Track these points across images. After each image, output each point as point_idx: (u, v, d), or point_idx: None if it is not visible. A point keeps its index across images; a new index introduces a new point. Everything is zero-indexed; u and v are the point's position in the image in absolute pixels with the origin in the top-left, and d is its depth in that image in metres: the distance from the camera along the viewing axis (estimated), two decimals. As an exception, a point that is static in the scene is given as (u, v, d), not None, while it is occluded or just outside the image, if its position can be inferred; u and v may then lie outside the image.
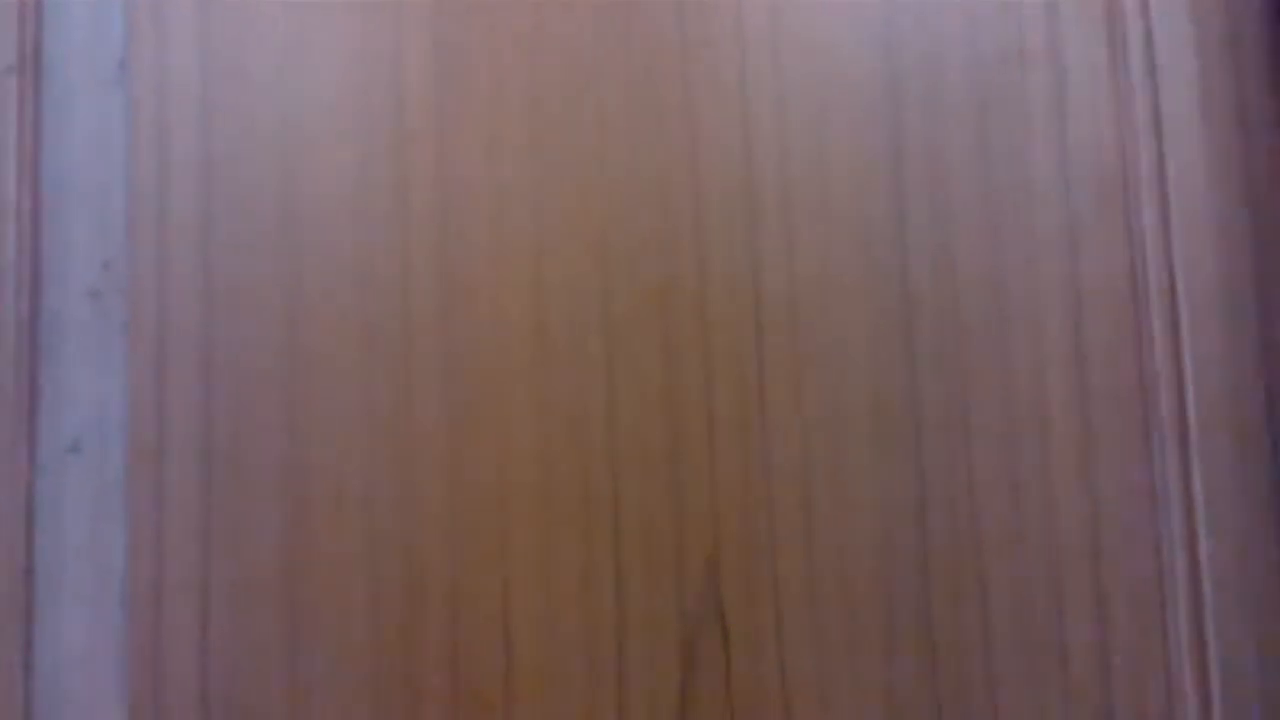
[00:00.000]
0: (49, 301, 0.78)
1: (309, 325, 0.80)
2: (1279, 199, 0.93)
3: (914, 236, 0.89)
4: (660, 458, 0.84)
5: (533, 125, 0.85)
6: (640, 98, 0.87)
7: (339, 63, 0.83)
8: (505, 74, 0.85)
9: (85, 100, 0.79)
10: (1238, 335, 0.90)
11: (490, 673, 0.80)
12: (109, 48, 0.80)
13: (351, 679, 0.78)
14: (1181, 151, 0.92)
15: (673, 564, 0.83)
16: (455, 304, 0.82)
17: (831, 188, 0.88)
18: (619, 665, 0.82)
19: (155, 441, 0.77)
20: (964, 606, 0.86)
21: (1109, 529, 0.88)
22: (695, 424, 0.85)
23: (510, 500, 0.82)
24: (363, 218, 0.82)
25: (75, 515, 0.77)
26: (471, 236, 0.83)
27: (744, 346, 0.86)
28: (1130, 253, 0.91)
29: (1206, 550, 0.88)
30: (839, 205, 0.88)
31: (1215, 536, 0.88)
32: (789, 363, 0.86)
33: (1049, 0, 0.93)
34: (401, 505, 0.80)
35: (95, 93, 0.79)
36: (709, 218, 0.87)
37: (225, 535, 0.78)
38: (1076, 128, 0.92)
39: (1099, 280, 0.91)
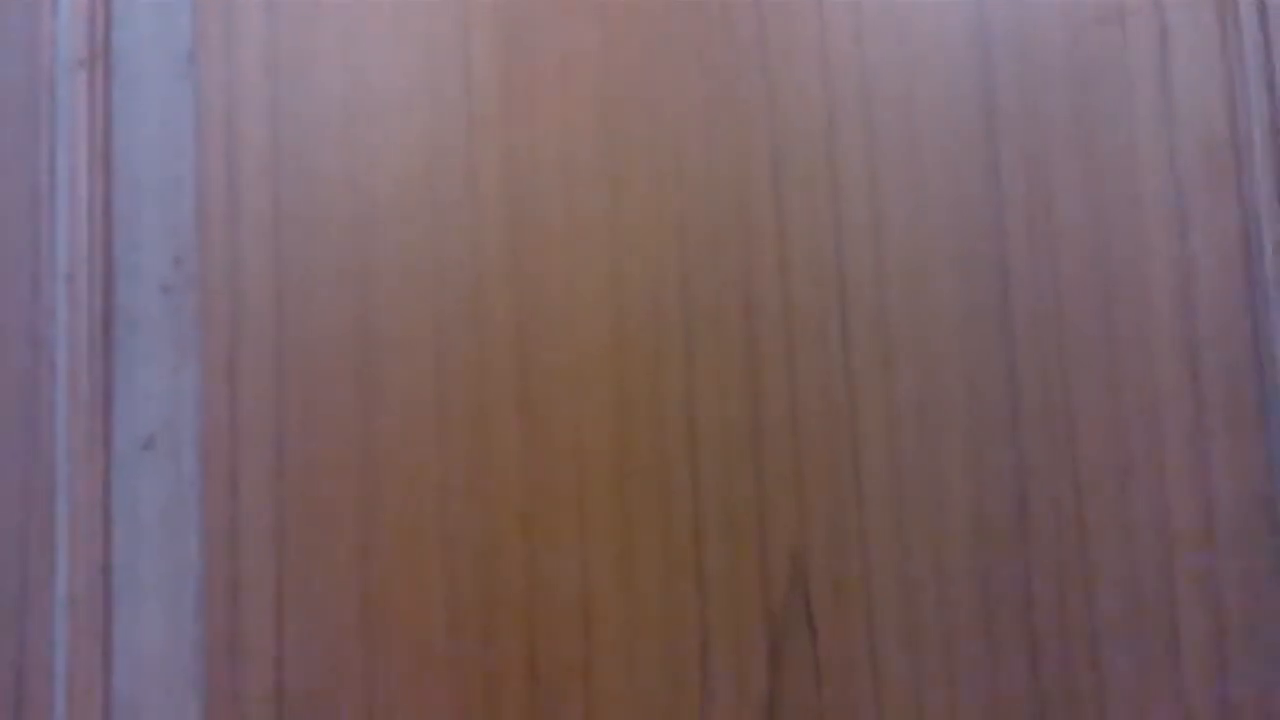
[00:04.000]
0: (121, 297, 0.79)
1: (381, 316, 0.80)
2: None
3: (1010, 211, 0.86)
4: (742, 448, 0.83)
5: (605, 104, 0.84)
6: (716, 71, 0.86)
7: (405, 47, 0.83)
8: (575, 52, 0.85)
9: (154, 93, 0.80)
10: (1366, 309, 0.86)
11: (569, 671, 0.79)
12: (177, 40, 0.81)
13: (428, 675, 0.78)
14: (1299, 113, 0.87)
15: (757, 559, 0.82)
16: (528, 291, 0.82)
17: (920, 161, 0.86)
18: (703, 666, 0.81)
19: (229, 437, 0.78)
20: (1069, 601, 0.83)
21: (1224, 516, 0.84)
22: (778, 412, 0.83)
23: (587, 493, 0.81)
24: (433, 204, 0.82)
25: (150, 512, 0.78)
26: (544, 222, 0.83)
27: (829, 330, 0.84)
28: (1244, 224, 0.87)
29: (1335, 542, 0.84)
30: (928, 180, 0.86)
31: (1345, 527, 0.84)
32: (877, 346, 0.84)
33: (1151, -43, 0.90)
34: (476, 499, 0.80)
35: (164, 86, 0.80)
36: (790, 197, 0.85)
37: (299, 530, 0.78)
38: (1183, 91, 0.88)
39: (1210, 255, 0.87)
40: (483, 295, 0.82)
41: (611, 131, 0.85)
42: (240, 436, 0.79)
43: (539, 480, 0.81)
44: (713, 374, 0.83)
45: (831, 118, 0.86)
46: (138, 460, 0.79)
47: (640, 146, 0.85)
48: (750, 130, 0.86)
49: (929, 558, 0.83)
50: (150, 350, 0.79)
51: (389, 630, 0.79)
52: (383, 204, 0.82)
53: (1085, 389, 0.85)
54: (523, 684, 0.79)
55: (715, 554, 0.82)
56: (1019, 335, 0.85)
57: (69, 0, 0.80)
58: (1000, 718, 0.82)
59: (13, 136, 0.79)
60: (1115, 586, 0.84)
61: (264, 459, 0.79)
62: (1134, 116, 0.88)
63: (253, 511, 0.78)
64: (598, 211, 0.84)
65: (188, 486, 0.78)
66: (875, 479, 0.83)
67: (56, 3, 0.80)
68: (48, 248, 0.79)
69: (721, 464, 0.83)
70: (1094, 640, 0.83)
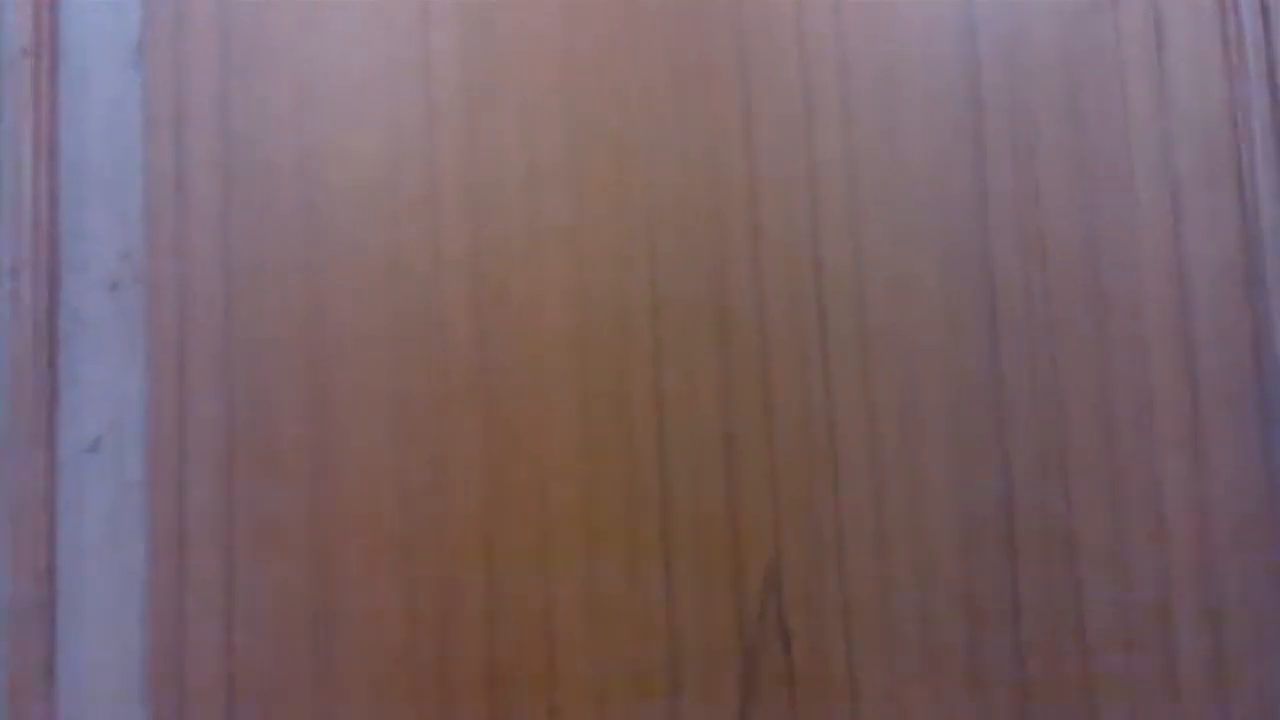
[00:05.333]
0: (67, 294, 0.76)
1: (335, 314, 0.78)
2: None
3: (996, 205, 0.83)
4: (713, 455, 0.79)
5: (570, 92, 0.82)
6: (688, 59, 0.83)
7: (362, 36, 0.80)
8: (539, 40, 0.82)
9: (102, 84, 0.78)
10: (1371, 308, 0.82)
11: (531, 690, 0.76)
12: (125, 30, 0.79)
13: (383, 692, 0.75)
14: (1302, 103, 0.84)
15: (729, 572, 0.79)
16: (490, 288, 0.79)
17: (901, 153, 0.83)
18: (672, 683, 0.77)
19: (176, 439, 0.76)
20: (1059, 618, 0.79)
21: (1222, 525, 0.80)
22: (752, 417, 0.80)
23: (551, 502, 0.78)
24: (389, 198, 0.79)
25: (95, 517, 0.76)
26: (506, 215, 0.80)
27: (805, 329, 0.81)
28: (1243, 219, 0.84)
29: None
30: (910, 173, 0.83)
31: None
32: (856, 346, 0.81)
33: (1146, -59, 0.86)
34: (435, 508, 0.77)
35: (112, 76, 0.78)
36: (765, 189, 0.82)
37: (250, 536, 0.76)
38: (1178, 80, 0.85)
39: (1208, 250, 0.83)
40: (442, 294, 0.79)
41: (577, 123, 0.82)
42: (188, 439, 0.76)
43: (500, 486, 0.78)
44: (683, 375, 0.80)
45: (809, 110, 0.83)
46: (83, 464, 0.76)
47: (607, 140, 0.82)
48: (724, 123, 0.83)
49: (910, 568, 0.80)
50: (96, 349, 0.77)
51: (342, 640, 0.76)
52: (338, 198, 0.79)
53: (1075, 392, 0.82)
54: (482, 700, 0.76)
55: (685, 564, 0.79)
56: (1005, 335, 0.82)
57: (15, -13, 0.78)
58: (985, 736, 0.79)
59: (-45, 128, 0.77)
60: (1107, 600, 0.80)
61: (213, 462, 0.76)
62: (1127, 109, 0.85)
63: (201, 517, 0.76)
64: (562, 207, 0.81)
65: (134, 490, 0.76)
66: (854, 486, 0.80)
67: (2, -10, 0.78)
68: (-10, 243, 0.76)
69: (692, 470, 0.79)
70: (1085, 655, 0.79)
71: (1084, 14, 0.85)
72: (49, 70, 0.77)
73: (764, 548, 0.79)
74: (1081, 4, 0.85)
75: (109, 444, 0.76)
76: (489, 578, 0.77)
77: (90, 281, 0.77)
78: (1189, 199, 0.84)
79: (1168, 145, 0.84)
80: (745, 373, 0.80)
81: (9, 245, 0.76)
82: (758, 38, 0.83)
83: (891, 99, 0.83)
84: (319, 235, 0.78)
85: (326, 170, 0.79)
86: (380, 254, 0.79)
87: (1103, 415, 0.82)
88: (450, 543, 0.77)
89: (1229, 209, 0.84)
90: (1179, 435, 0.82)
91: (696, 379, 0.80)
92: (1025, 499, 0.80)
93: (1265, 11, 0.84)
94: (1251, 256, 0.83)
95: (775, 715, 0.78)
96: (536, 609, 0.77)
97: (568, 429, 0.79)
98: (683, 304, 0.80)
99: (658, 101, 0.82)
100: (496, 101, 0.81)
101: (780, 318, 0.81)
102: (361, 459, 0.77)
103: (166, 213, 0.77)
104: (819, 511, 0.80)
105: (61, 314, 0.77)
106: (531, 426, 0.79)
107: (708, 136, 0.82)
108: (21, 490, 0.75)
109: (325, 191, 0.79)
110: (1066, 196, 0.83)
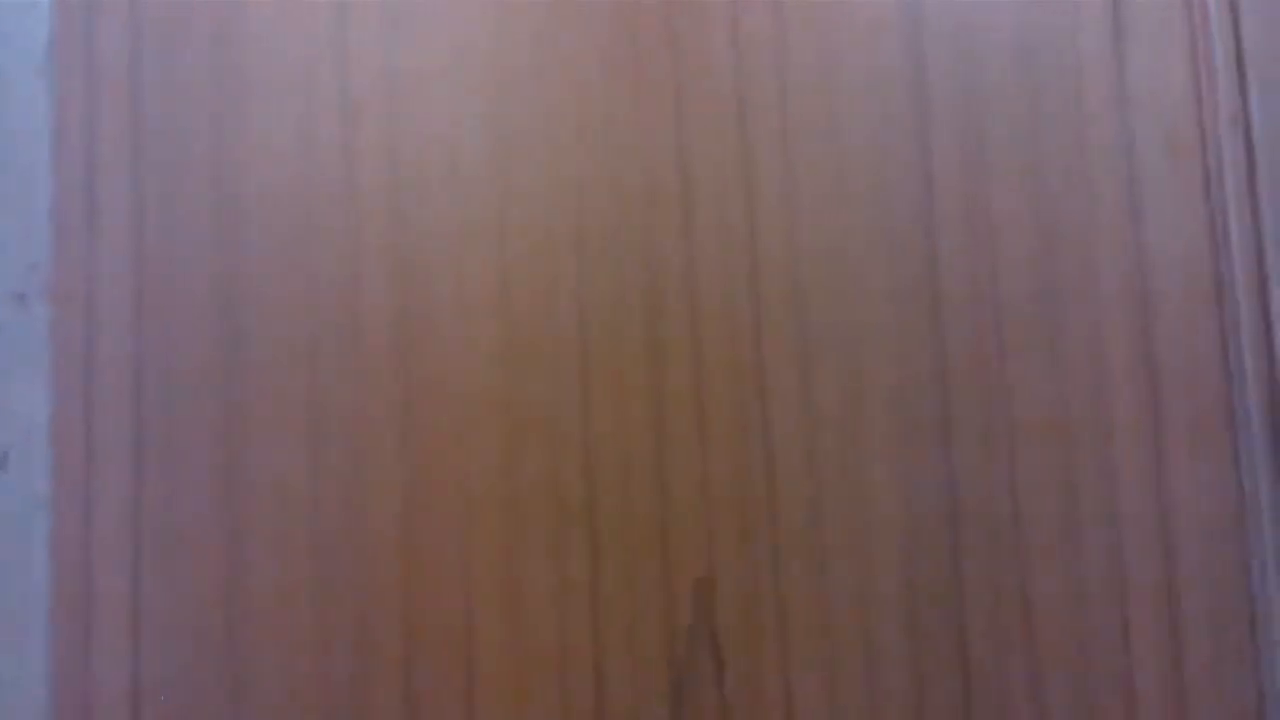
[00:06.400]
0: (-27, 306, 0.74)
1: (249, 325, 0.75)
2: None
3: (942, 199, 0.79)
4: (643, 463, 0.76)
5: (497, 88, 0.79)
6: (619, 53, 0.79)
7: (278, 33, 0.78)
8: (465, 29, 0.79)
9: (10, 88, 0.76)
10: (1341, 307, 0.77)
11: (452, 708, 0.73)
12: (34, 33, 0.76)
13: (297, 713, 0.72)
14: (1269, 94, 0.79)
15: (659, 585, 0.75)
16: (411, 295, 0.76)
17: (841, 145, 0.79)
18: (597, 702, 0.74)
19: (83, 455, 0.73)
20: (1006, 637, 0.75)
21: (1185, 543, 0.76)
22: (683, 423, 0.76)
23: (473, 513, 0.75)
24: (306, 201, 0.76)
25: (2, 534, 0.73)
26: (429, 223, 0.77)
27: (740, 332, 0.77)
28: (1209, 216, 0.79)
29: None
30: (850, 166, 0.79)
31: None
32: (793, 350, 0.77)
33: (1107, -75, 0.82)
34: (351, 520, 0.74)
35: (19, 82, 0.76)
36: (698, 186, 0.79)
37: (159, 554, 0.73)
38: (1140, 68, 0.81)
39: (1170, 249, 0.79)
40: (361, 303, 0.76)
41: (504, 126, 0.79)
42: (96, 455, 0.74)
43: (420, 502, 0.75)
44: (611, 382, 0.77)
45: (743, 103, 0.80)
46: (-10, 480, 0.74)
47: (535, 141, 0.79)
48: (655, 123, 0.79)
49: (850, 585, 0.76)
50: (4, 363, 0.75)
51: (255, 660, 0.73)
52: (252, 205, 0.76)
53: (1027, 395, 0.78)
54: (400, 718, 0.73)
55: (612, 582, 0.75)
56: (951, 336, 0.78)
57: (-77, -8, 0.76)
58: (934, 762, 0.75)
59: None
60: (1059, 621, 0.76)
61: (121, 479, 0.74)
62: (1084, 94, 0.81)
63: (109, 534, 0.73)
64: (488, 212, 0.78)
65: (41, 508, 0.73)
66: (790, 496, 0.76)
67: (-92, -5, 0.76)
68: (-106, 254, 0.74)
69: (620, 482, 0.76)
70: (1035, 680, 0.75)
71: (1038, 2, 0.81)
72: (-45, 76, 0.76)
73: (695, 566, 0.76)
74: (1033, -9, 0.81)
75: (16, 460, 0.74)
76: (406, 597, 0.74)
77: (-3, 293, 0.75)
78: (1150, 193, 0.79)
79: (1128, 137, 0.80)
80: (677, 379, 0.77)
81: (-87, 256, 0.74)
82: (690, 27, 0.80)
83: (830, 88, 0.80)
84: (233, 245, 0.76)
85: (241, 176, 0.76)
86: (297, 263, 0.76)
87: (1056, 420, 0.77)
88: (367, 561, 0.74)
89: (1193, 203, 0.79)
90: (1138, 439, 0.77)
91: (626, 386, 0.77)
92: (972, 509, 0.77)
93: (1234, 3, 0.79)
94: (1217, 252, 0.79)
95: (708, 740, 0.74)
96: (457, 631, 0.74)
97: (490, 442, 0.76)
98: (612, 309, 0.77)
99: (587, 98, 0.79)
100: (420, 106, 0.78)
101: (714, 321, 0.78)
102: (276, 475, 0.75)
103: (76, 222, 0.75)
104: (754, 526, 0.76)
105: (-32, 326, 0.75)
106: (453, 439, 0.76)
107: (639, 142, 0.79)
108: (-73, 508, 0.73)
109: (240, 198, 0.76)
110: (1018, 191, 0.79)
